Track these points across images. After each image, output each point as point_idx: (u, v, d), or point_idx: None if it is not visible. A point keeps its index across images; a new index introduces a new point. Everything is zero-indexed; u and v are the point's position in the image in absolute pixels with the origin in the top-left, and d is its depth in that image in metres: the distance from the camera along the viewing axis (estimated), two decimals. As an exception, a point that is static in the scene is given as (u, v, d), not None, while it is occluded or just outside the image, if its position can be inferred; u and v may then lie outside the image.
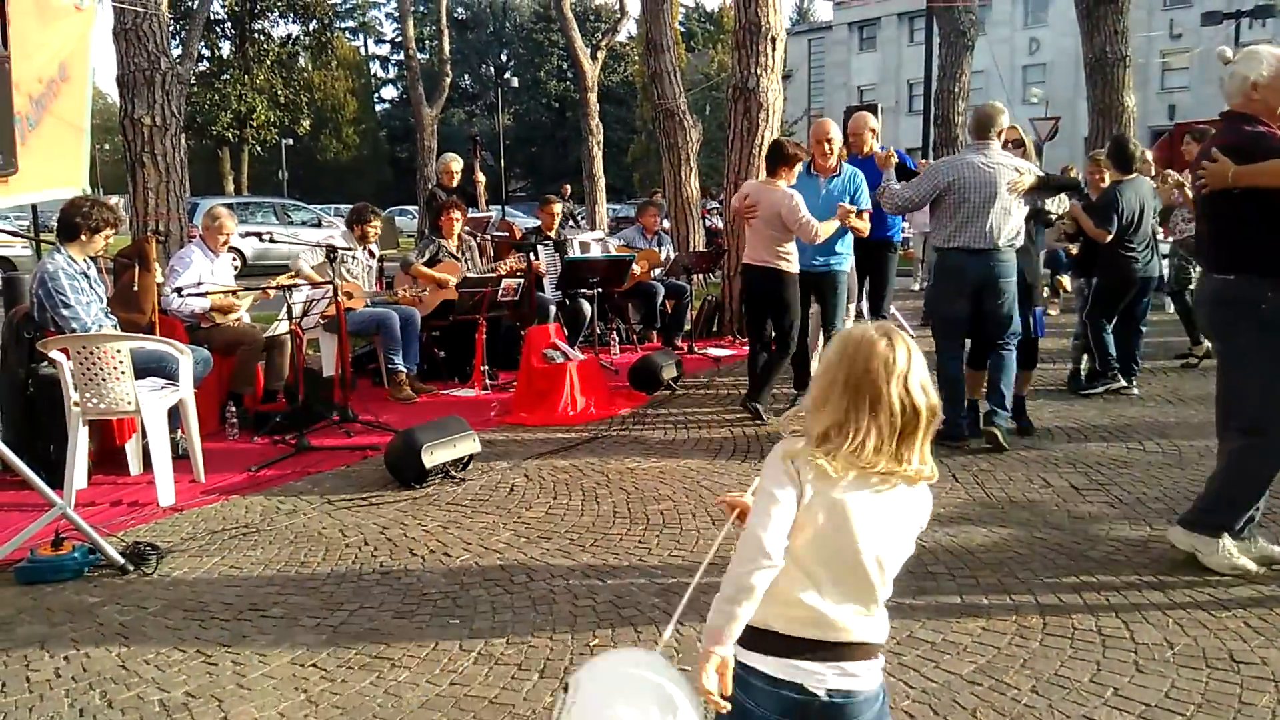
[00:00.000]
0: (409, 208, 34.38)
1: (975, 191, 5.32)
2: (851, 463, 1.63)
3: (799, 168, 6.04)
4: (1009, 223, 5.31)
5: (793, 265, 6.01)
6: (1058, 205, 5.99)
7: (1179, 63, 38.35)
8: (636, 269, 8.89)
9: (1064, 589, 3.47)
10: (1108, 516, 4.25)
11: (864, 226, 6.09)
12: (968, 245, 5.34)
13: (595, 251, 9.56)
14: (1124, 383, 6.60)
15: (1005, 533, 4.06)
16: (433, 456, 4.83)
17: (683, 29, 47.75)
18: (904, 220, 8.19)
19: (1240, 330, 3.56)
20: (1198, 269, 7.50)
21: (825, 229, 5.84)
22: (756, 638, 1.68)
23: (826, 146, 6.16)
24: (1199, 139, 8.19)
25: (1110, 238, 6.28)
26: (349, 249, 7.06)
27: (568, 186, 20.93)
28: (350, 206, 7.98)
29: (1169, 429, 5.73)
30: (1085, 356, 6.86)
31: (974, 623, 3.22)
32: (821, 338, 6.48)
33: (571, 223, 16.94)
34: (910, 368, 1.65)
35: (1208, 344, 7.49)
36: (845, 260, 6.33)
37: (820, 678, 1.66)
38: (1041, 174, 5.60)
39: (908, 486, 1.67)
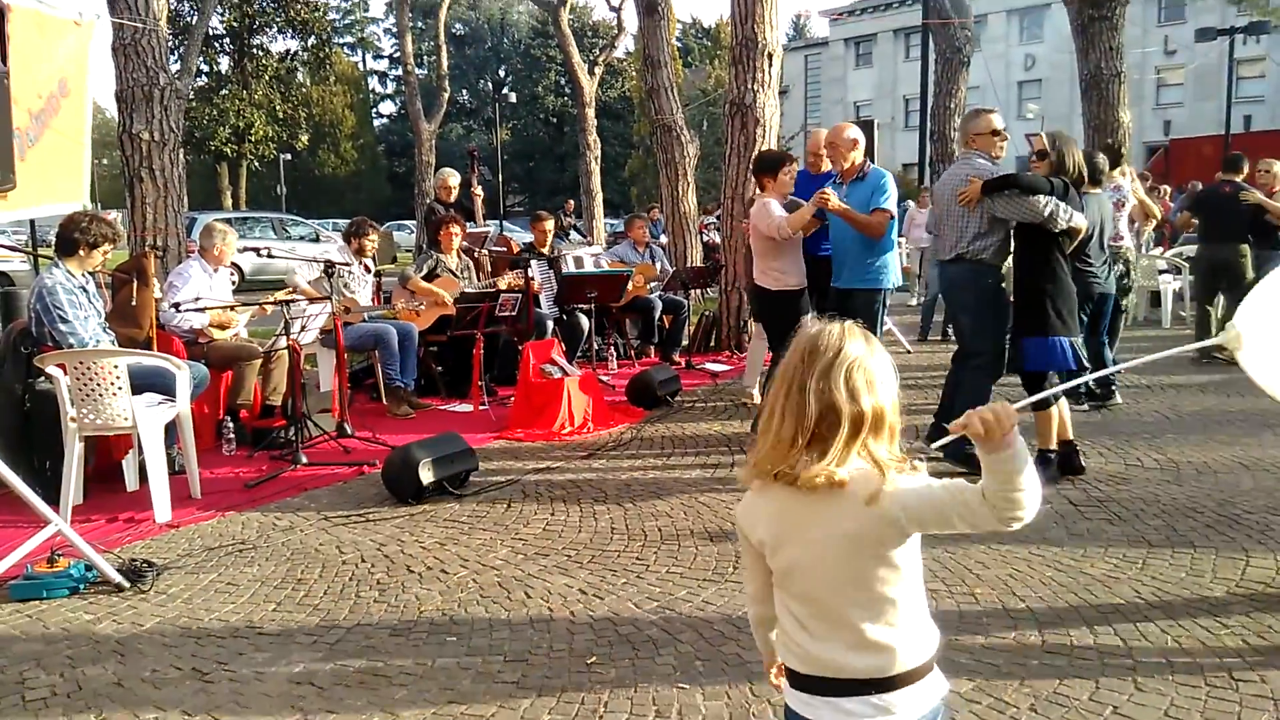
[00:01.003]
0: (407, 222, 34.42)
1: (936, 205, 5.42)
2: (776, 474, 1.54)
3: (790, 168, 5.97)
4: (951, 234, 5.23)
5: (776, 282, 5.89)
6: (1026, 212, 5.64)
7: (1174, 78, 38.61)
8: (632, 285, 8.91)
9: (1062, 606, 3.47)
10: (1106, 533, 4.25)
11: (861, 219, 5.56)
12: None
13: (588, 265, 9.58)
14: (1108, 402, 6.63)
15: (1003, 549, 4.05)
16: (430, 472, 4.83)
17: (680, 45, 48.00)
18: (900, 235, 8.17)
19: None
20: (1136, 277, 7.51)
21: (795, 219, 5.68)
22: (790, 673, 1.67)
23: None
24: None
25: None
26: (346, 264, 7.07)
27: (571, 202, 20.89)
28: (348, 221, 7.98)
29: (1166, 445, 5.73)
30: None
31: (972, 639, 3.21)
32: None
33: (576, 234, 16.93)
34: (839, 360, 1.50)
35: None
36: (879, 278, 5.75)
37: (843, 713, 1.56)
38: (996, 175, 5.16)
39: (828, 492, 1.51)
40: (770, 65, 8.94)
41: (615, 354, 8.95)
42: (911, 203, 14.47)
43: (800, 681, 1.62)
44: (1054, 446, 5.03)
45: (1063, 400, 5.17)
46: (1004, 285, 5.34)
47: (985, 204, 5.09)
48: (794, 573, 1.60)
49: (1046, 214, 4.89)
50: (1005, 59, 41.66)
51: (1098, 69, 13.42)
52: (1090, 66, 13.53)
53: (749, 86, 8.90)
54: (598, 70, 21.78)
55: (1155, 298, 11.45)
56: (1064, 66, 32.33)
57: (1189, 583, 3.64)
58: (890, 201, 5.67)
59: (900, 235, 8.31)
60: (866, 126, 9.21)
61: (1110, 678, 2.95)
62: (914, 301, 13.72)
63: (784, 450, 1.53)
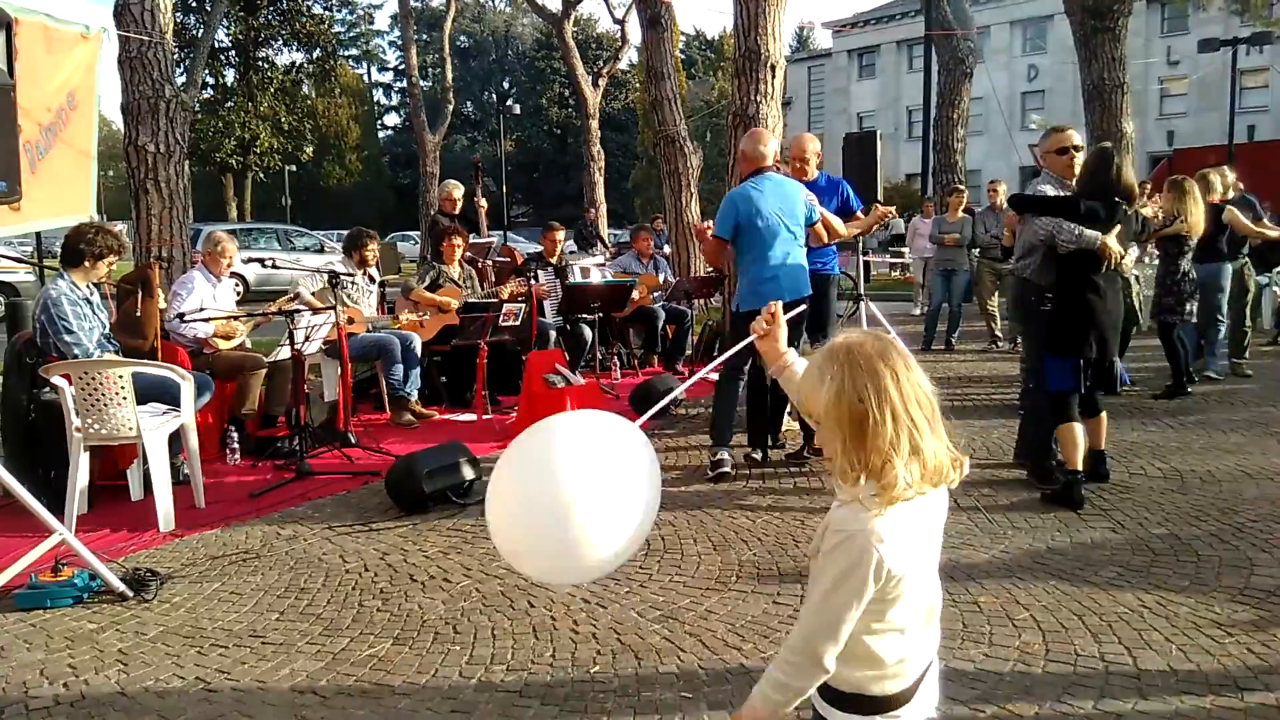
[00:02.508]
0: (411, 233, 34.51)
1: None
2: (924, 482, 1.53)
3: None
4: (1015, 253, 5.36)
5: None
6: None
7: (1177, 89, 38.66)
8: (636, 294, 8.93)
9: (1066, 615, 3.46)
10: (1110, 541, 4.24)
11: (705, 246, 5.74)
12: None
13: (595, 277, 9.61)
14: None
15: (1007, 558, 4.05)
16: (433, 482, 4.83)
17: (683, 56, 48.17)
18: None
19: None
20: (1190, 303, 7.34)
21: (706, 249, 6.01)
22: (856, 702, 1.61)
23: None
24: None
25: None
26: (350, 274, 7.10)
27: (592, 211, 20.47)
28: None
29: (1170, 454, 5.72)
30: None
31: (976, 649, 3.21)
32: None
33: (599, 243, 16.87)
34: (904, 351, 1.56)
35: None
36: (748, 299, 5.35)
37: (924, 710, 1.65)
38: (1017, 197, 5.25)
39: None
40: (773, 76, 8.96)
41: (619, 363, 8.96)
42: (918, 214, 14.49)
43: (891, 701, 1.61)
44: (1080, 467, 4.82)
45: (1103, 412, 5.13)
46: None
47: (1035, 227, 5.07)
48: (923, 573, 1.60)
49: (1043, 236, 4.82)
50: (1009, 70, 41.70)
51: (1101, 80, 13.46)
52: (1093, 77, 13.57)
53: (752, 98, 8.91)
54: (601, 82, 21.87)
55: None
56: (1067, 77, 32.42)
57: (1193, 591, 3.63)
58: (723, 222, 5.39)
59: (904, 245, 8.30)
60: (870, 138, 9.26)
61: (1114, 686, 2.94)
62: (917, 311, 13.72)
63: (940, 454, 1.55)
